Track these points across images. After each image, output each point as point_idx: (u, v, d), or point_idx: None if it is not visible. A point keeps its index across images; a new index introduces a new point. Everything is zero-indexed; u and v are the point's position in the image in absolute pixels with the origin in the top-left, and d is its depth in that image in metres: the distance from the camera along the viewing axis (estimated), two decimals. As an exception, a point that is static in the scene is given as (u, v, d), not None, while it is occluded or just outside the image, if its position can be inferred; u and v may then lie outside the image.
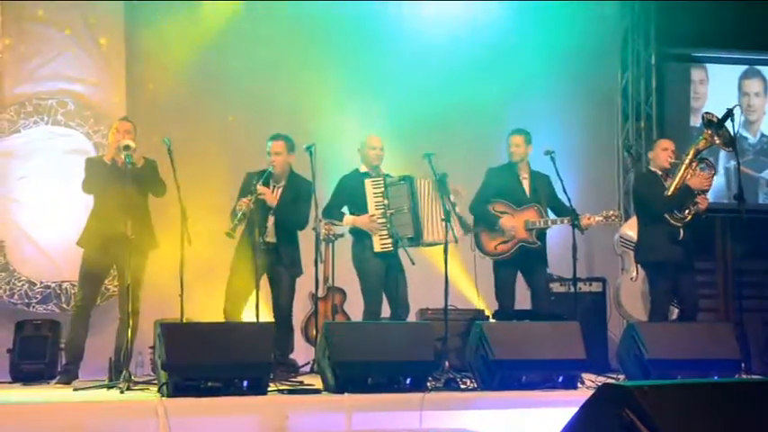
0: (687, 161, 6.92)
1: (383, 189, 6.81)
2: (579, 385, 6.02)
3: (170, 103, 8.14)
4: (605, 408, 2.51)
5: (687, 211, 6.88)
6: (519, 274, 7.11)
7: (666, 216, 6.89)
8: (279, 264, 6.75)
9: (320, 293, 7.42)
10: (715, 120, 6.89)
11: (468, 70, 8.91)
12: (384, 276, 6.80)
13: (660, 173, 7.05)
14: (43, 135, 8.01)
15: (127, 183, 6.25)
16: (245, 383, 5.46)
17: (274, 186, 6.79)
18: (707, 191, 6.98)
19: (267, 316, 6.66)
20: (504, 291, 7.01)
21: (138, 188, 6.43)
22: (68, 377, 6.58)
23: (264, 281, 6.73)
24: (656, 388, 2.59)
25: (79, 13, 8.10)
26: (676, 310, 7.51)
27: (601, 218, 7.00)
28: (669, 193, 6.88)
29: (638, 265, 7.78)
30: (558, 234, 7.42)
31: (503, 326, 6.52)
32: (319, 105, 8.33)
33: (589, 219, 6.90)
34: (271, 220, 6.72)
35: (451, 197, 6.72)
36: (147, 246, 6.61)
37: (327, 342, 5.75)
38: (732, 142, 6.94)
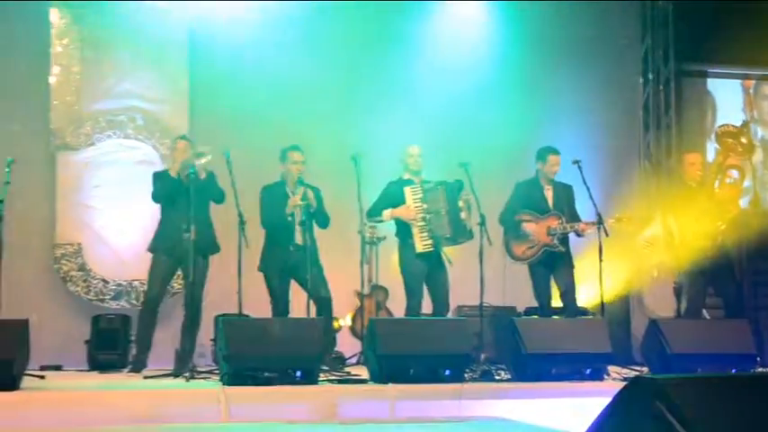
0: (715, 173, 6.91)
1: (421, 194, 6.78)
2: (605, 377, 5.96)
3: (229, 118, 8.18)
4: (636, 399, 2.46)
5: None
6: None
7: None
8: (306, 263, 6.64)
9: (365, 291, 7.43)
10: (732, 130, 6.84)
11: (499, 85, 8.86)
12: (426, 276, 6.75)
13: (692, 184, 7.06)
14: (115, 147, 8.08)
15: (191, 193, 6.33)
16: (298, 373, 5.47)
17: (293, 193, 6.77)
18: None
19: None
20: (539, 291, 6.96)
21: (201, 198, 6.48)
22: (139, 366, 6.64)
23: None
24: (683, 381, 2.53)
25: (148, 36, 8.17)
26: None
27: (613, 220, 6.96)
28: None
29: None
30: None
31: (534, 322, 6.48)
32: (361, 116, 8.35)
33: (586, 225, 6.87)
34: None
35: (460, 203, 6.69)
36: (209, 249, 6.69)
37: (373, 336, 5.73)
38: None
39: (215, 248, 6.73)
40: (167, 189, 6.65)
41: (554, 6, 8.96)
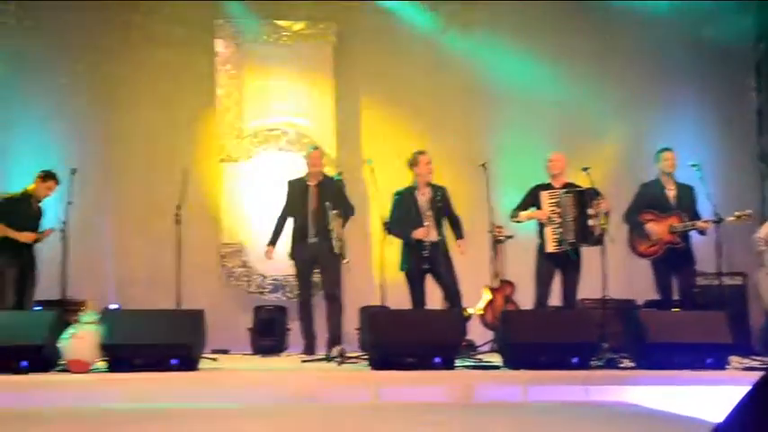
0: None
1: (556, 199, 6.78)
2: (727, 366, 5.79)
3: (372, 128, 8.37)
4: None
5: None
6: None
7: None
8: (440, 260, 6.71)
9: (494, 285, 7.48)
10: None
11: (621, 92, 8.74)
12: (555, 273, 6.74)
13: None
14: (271, 159, 8.43)
15: (322, 201, 6.63)
16: (437, 359, 5.54)
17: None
18: None
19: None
20: (661, 285, 6.82)
21: (332, 205, 6.72)
22: (309, 352, 6.84)
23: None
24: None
25: (298, 56, 8.47)
26: None
27: (733, 218, 6.73)
28: None
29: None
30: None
31: (657, 313, 6.36)
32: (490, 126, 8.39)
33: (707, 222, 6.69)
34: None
35: (591, 211, 6.62)
36: (341, 253, 6.78)
37: (507, 326, 5.77)
38: None
39: (344, 252, 6.78)
40: (299, 197, 6.91)
41: (677, 9, 8.73)
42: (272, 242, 7.08)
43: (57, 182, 6.92)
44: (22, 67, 8.29)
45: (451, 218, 6.82)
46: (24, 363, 5.21)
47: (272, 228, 7.11)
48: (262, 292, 8.26)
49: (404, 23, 8.62)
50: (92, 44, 8.34)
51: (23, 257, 6.80)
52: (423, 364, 5.49)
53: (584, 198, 6.70)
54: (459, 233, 6.80)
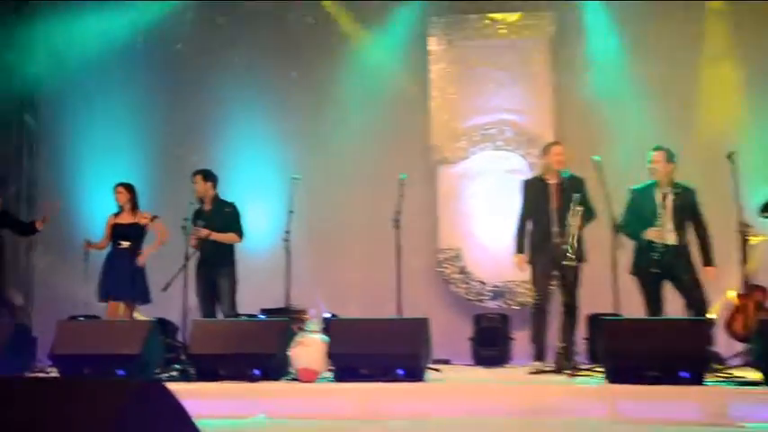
0: None
1: None
2: None
3: (596, 122, 8.12)
4: None
5: None
6: None
7: None
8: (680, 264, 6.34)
9: (743, 291, 6.96)
10: None
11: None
12: None
13: None
14: (487, 159, 8.37)
15: (565, 199, 6.40)
16: (683, 373, 5.22)
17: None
18: None
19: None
20: None
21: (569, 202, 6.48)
22: (539, 359, 6.63)
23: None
24: None
25: (516, 57, 8.38)
26: None
27: None
28: None
29: None
30: None
31: None
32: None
33: None
34: None
35: None
36: (579, 257, 6.56)
37: (764, 337, 5.33)
38: None
39: (580, 256, 6.55)
40: (537, 196, 6.70)
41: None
42: (520, 250, 6.78)
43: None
44: (252, 83, 8.74)
45: (698, 229, 6.40)
46: (257, 371, 5.49)
47: (514, 235, 6.81)
48: (481, 300, 8.22)
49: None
50: (303, 51, 8.71)
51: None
52: (667, 378, 5.18)
53: None
54: (705, 258, 6.33)
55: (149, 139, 8.83)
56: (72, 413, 1.82)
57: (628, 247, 6.42)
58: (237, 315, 7.04)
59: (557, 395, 5.27)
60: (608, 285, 6.16)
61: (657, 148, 6.43)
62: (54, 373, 6.10)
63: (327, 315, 7.30)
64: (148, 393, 1.92)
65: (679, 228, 6.33)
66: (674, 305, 6.37)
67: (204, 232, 6.96)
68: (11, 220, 7.63)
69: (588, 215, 6.58)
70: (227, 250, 7.17)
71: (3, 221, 7.50)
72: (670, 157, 6.38)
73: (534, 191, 6.77)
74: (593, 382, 5.64)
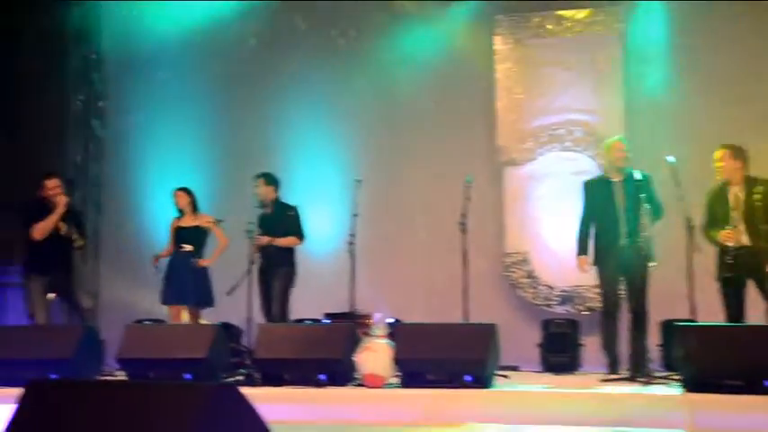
0: None
1: None
2: None
3: (668, 121, 7.92)
4: None
5: None
6: None
7: None
8: None
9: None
10: None
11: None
12: None
13: None
14: (555, 160, 8.23)
15: (630, 198, 6.27)
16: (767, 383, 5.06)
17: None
18: None
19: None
20: None
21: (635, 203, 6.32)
22: (614, 369, 6.47)
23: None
24: None
25: (584, 54, 8.23)
26: None
27: None
28: None
29: None
30: None
31: None
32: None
33: None
34: None
35: None
36: (646, 257, 6.35)
37: None
38: None
39: (649, 257, 6.32)
40: (598, 197, 6.54)
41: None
42: (583, 251, 6.63)
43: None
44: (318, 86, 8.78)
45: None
46: (323, 376, 5.49)
47: (577, 237, 6.66)
48: (549, 305, 8.09)
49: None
50: (369, 54, 8.72)
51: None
52: (750, 387, 5.01)
53: None
54: None
55: (215, 142, 8.92)
56: (147, 416, 1.82)
57: (708, 251, 6.24)
58: (285, 318, 7.04)
59: (631, 404, 5.15)
60: (685, 291, 5.98)
61: (722, 147, 6.22)
62: (122, 376, 6.19)
63: (391, 320, 7.26)
64: (222, 397, 1.91)
65: (756, 227, 6.10)
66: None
67: (265, 239, 7.00)
68: (77, 222, 7.76)
69: (656, 214, 6.40)
70: (287, 252, 7.20)
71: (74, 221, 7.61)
72: (738, 155, 6.16)
73: (597, 191, 6.61)
74: (668, 390, 5.49)
